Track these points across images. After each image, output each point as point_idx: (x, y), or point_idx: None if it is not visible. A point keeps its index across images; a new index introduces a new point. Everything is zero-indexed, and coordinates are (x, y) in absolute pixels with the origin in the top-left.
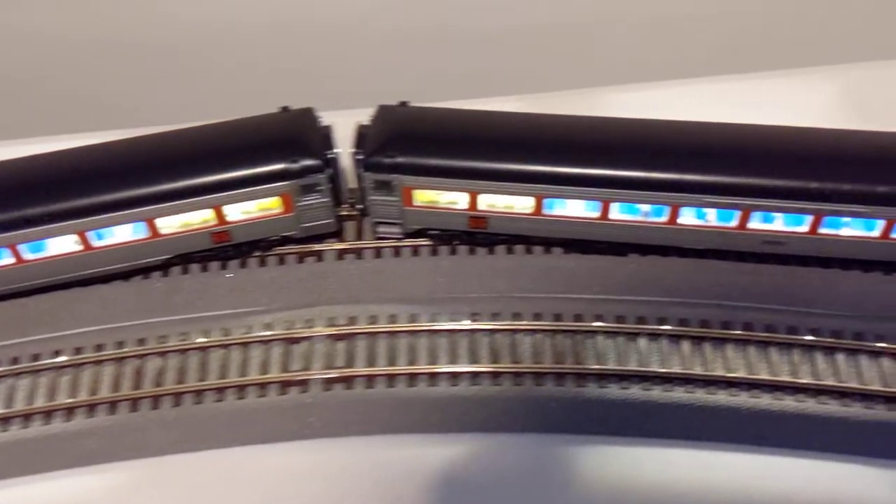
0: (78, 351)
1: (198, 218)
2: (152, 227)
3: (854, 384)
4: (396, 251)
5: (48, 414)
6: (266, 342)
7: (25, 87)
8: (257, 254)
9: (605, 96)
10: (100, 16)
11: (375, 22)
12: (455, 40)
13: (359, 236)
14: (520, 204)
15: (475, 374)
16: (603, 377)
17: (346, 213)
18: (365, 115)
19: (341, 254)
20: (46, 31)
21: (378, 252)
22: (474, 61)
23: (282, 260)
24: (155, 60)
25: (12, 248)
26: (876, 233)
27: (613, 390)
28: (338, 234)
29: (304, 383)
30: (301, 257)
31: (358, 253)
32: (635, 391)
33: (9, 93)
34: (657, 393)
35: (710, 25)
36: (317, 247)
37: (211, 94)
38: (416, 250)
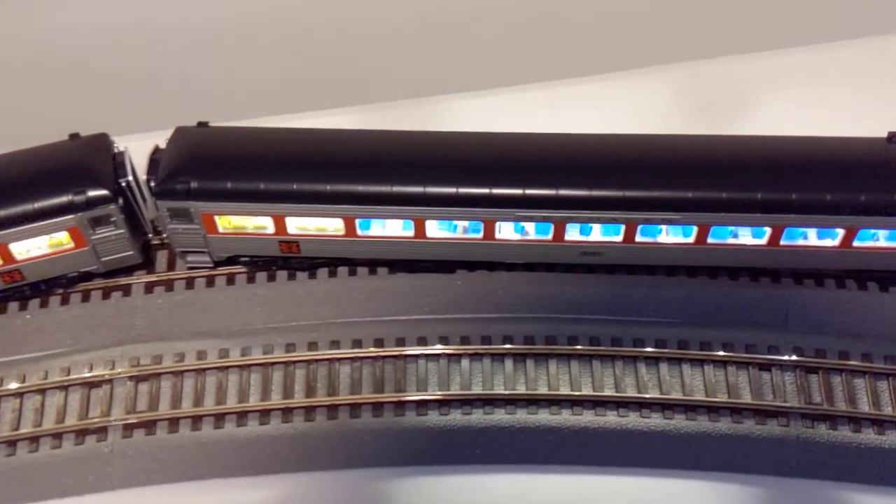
0: None
1: None
2: None
3: (677, 395)
4: (210, 281)
5: None
6: (64, 388)
7: None
8: (59, 291)
9: (434, 105)
10: None
11: (179, 35)
12: (271, 52)
13: (170, 266)
14: (331, 226)
15: (287, 410)
16: (422, 404)
17: (157, 241)
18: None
19: (150, 287)
20: None
21: (190, 283)
22: (295, 74)
23: (86, 296)
24: None
25: None
26: (691, 239)
27: (433, 417)
28: (147, 266)
29: (102, 430)
30: (106, 293)
31: (168, 285)
32: (455, 416)
33: None
34: (478, 416)
35: (541, 31)
36: (123, 280)
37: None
38: (230, 279)
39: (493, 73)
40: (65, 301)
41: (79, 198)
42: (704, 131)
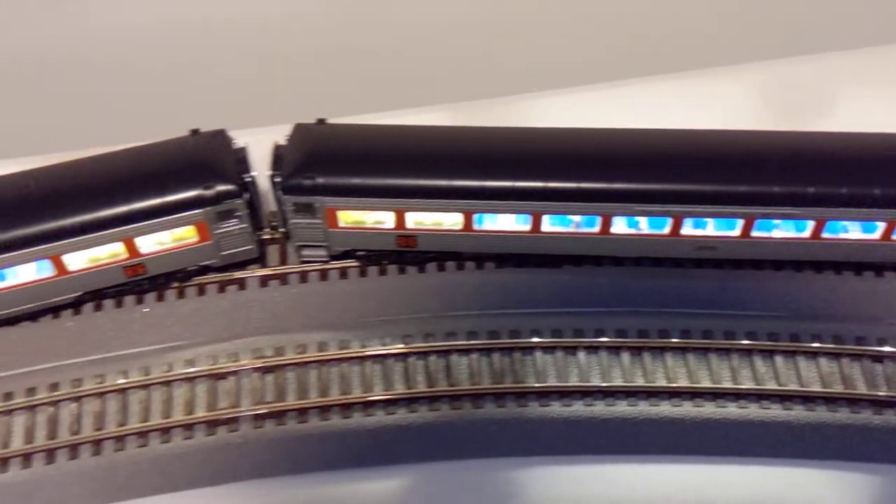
0: None
1: (107, 252)
2: (59, 265)
3: (794, 386)
4: (323, 275)
5: None
6: (190, 379)
7: None
8: (175, 285)
9: (527, 102)
10: None
11: (287, 36)
12: (367, 53)
13: (283, 261)
14: (449, 220)
15: (411, 400)
16: (544, 395)
17: (268, 236)
18: (279, 133)
19: (265, 280)
20: None
21: (304, 276)
22: (388, 73)
23: (202, 290)
24: (51, 81)
25: None
26: (806, 233)
27: (556, 408)
28: (260, 260)
29: (233, 421)
30: (222, 286)
31: (282, 278)
32: (578, 407)
33: None
34: (600, 408)
35: (631, 27)
36: (238, 274)
37: (112, 117)
38: (343, 272)
39: (580, 70)
40: (181, 295)
41: (208, 192)
42: (792, 129)
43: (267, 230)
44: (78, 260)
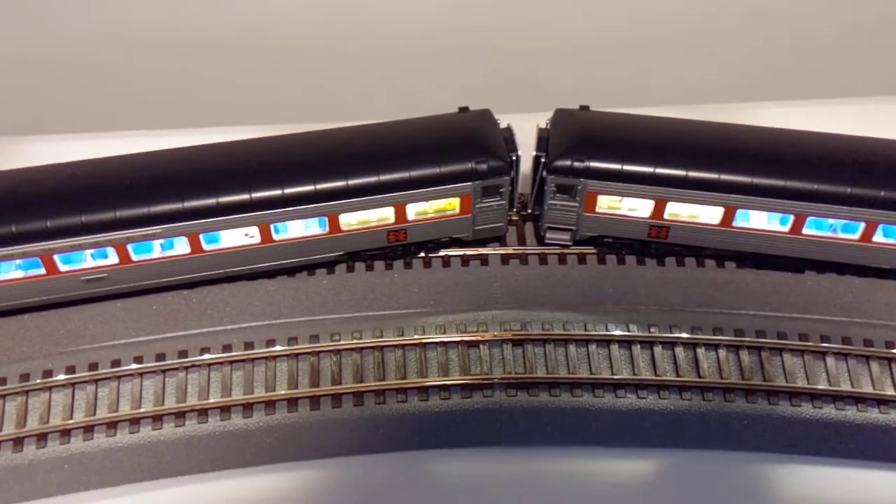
0: (248, 346)
1: (376, 216)
2: (334, 223)
3: None
4: (562, 258)
5: (225, 410)
6: (443, 344)
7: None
8: (422, 255)
9: (752, 111)
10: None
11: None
12: (601, 48)
13: (521, 242)
14: (706, 214)
15: (661, 387)
16: (795, 395)
17: (510, 217)
18: (524, 118)
19: (506, 259)
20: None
21: (543, 258)
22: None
23: (446, 262)
24: (343, 60)
25: (191, 237)
26: None
27: (807, 409)
28: (501, 239)
29: (488, 387)
30: (465, 260)
31: (523, 258)
32: (829, 410)
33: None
34: (851, 413)
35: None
36: (482, 250)
37: (365, 91)
38: (581, 258)
39: (802, 84)
40: (427, 265)
41: (480, 167)
42: None
43: (511, 211)
44: (350, 220)
